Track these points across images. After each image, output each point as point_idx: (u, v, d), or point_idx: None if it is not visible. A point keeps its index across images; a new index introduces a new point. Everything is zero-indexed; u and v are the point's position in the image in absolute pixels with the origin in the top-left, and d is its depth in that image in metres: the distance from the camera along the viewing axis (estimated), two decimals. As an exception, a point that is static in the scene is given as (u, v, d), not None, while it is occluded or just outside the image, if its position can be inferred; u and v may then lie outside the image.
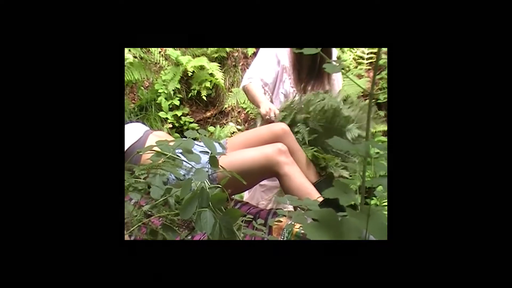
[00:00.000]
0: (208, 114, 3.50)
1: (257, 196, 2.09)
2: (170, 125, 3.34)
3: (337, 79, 2.09)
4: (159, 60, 3.60)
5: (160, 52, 3.66)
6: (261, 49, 2.17)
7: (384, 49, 0.90)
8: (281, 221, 1.17)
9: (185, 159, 1.02)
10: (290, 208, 1.77)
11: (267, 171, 1.56)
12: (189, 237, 0.99)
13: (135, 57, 3.58)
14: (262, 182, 1.99)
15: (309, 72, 1.99)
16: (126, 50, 3.49)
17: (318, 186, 1.58)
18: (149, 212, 0.96)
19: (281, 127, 1.75)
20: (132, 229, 0.90)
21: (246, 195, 2.17)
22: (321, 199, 1.33)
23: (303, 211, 0.95)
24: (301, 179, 1.53)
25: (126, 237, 0.94)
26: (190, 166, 1.09)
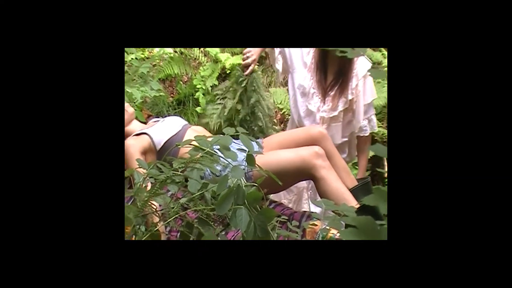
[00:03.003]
0: (244, 112, 3.50)
1: (280, 194, 2.07)
2: (207, 121, 3.36)
3: (366, 90, 1.97)
4: (199, 56, 3.64)
5: (199, 48, 3.70)
6: None
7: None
8: (316, 225, 1.16)
9: (222, 155, 1.03)
10: (316, 210, 1.75)
11: (303, 173, 1.55)
12: (223, 233, 0.99)
13: (175, 51, 3.63)
14: None
15: (334, 77, 1.92)
16: (168, 44, 3.53)
17: (355, 192, 1.55)
18: (186, 205, 0.97)
19: (319, 130, 1.74)
20: (168, 220, 0.91)
21: None
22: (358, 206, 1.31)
23: (338, 216, 0.93)
24: (338, 184, 1.51)
25: (162, 228, 0.95)
26: (227, 162, 1.10)
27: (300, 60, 1.96)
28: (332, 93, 1.91)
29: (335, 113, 1.92)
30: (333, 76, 1.92)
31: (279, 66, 2.03)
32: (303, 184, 1.96)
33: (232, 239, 1.37)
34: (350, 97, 1.92)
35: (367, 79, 1.93)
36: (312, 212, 1.58)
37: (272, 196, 2.11)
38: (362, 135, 1.99)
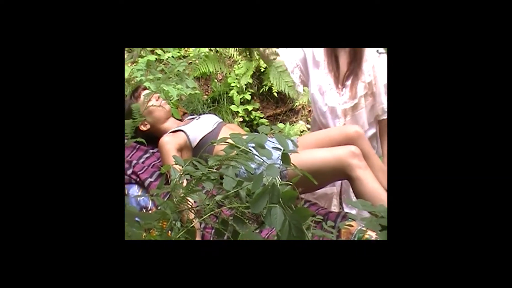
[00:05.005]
0: (278, 110, 3.49)
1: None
2: (241, 119, 3.37)
3: (383, 70, 1.86)
4: (233, 54, 3.65)
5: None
6: None
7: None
8: (352, 226, 1.15)
9: (256, 153, 1.03)
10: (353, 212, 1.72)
11: (339, 173, 1.53)
12: (258, 231, 0.99)
13: (210, 50, 3.66)
14: None
15: (348, 66, 1.86)
16: (203, 43, 3.56)
17: (391, 193, 1.52)
18: (221, 203, 0.98)
19: (355, 129, 1.71)
20: (204, 217, 0.92)
21: None
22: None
23: (375, 218, 0.92)
24: (374, 184, 1.48)
25: (197, 224, 0.96)
26: (261, 160, 1.10)
27: (312, 63, 1.94)
28: (349, 83, 1.87)
29: (356, 101, 1.86)
30: (347, 66, 1.88)
31: (296, 78, 2.00)
32: (332, 189, 1.93)
33: (266, 237, 1.37)
34: (368, 79, 1.86)
35: (382, 57, 1.86)
36: (348, 212, 1.56)
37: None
38: (383, 118, 1.89)
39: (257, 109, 3.48)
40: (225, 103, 3.39)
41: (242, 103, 3.42)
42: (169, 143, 1.69)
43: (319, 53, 1.93)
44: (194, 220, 0.96)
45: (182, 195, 0.95)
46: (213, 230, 1.50)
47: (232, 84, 3.43)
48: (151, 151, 1.89)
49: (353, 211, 1.90)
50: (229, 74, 3.53)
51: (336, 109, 1.89)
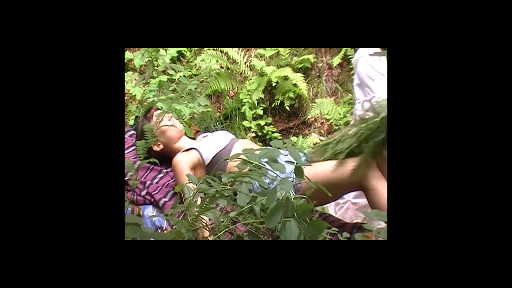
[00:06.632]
0: (291, 124, 3.50)
1: (350, 214, 1.99)
2: (254, 134, 3.39)
3: None
4: (244, 71, 3.68)
5: (245, 62, 3.75)
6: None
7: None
8: (369, 236, 1.14)
9: (270, 168, 1.03)
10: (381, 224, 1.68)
11: (353, 184, 1.52)
12: (273, 246, 0.99)
13: (221, 67, 3.70)
14: (356, 200, 1.91)
15: None
16: (214, 60, 3.61)
17: (407, 202, 1.49)
18: (235, 219, 0.98)
19: (368, 139, 1.70)
20: (219, 234, 0.92)
21: (334, 212, 2.08)
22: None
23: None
24: (389, 194, 1.47)
25: (213, 242, 0.96)
26: (275, 175, 1.10)
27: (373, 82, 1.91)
28: None
29: None
30: None
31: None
32: None
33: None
34: None
35: None
36: (363, 223, 1.54)
37: (338, 216, 2.03)
38: None
39: (270, 124, 3.49)
40: (237, 119, 3.41)
41: (254, 119, 3.44)
42: (182, 162, 1.70)
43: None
44: (209, 237, 0.97)
45: (197, 213, 0.95)
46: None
47: (244, 100, 3.45)
48: (164, 171, 1.90)
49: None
50: (241, 90, 3.56)
51: None
